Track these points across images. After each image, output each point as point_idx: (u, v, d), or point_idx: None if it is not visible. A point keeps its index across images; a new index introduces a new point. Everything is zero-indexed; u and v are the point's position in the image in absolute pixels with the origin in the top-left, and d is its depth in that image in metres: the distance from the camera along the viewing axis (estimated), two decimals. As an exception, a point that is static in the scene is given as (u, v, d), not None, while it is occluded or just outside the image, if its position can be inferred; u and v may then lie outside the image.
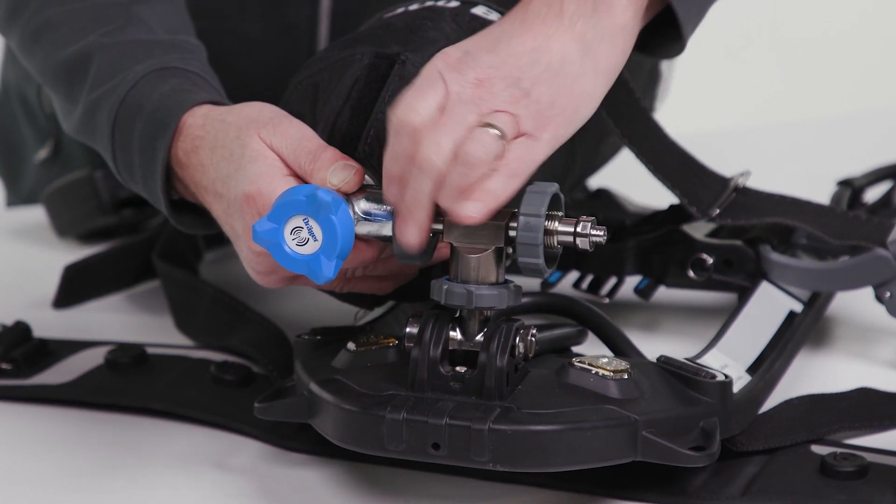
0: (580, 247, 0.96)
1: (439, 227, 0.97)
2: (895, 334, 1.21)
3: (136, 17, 1.15)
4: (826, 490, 0.98)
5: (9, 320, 1.25)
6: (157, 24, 1.15)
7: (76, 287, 1.37)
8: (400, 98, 0.96)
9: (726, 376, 1.00)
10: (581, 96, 0.98)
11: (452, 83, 0.97)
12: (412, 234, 0.96)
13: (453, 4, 1.11)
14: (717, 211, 1.17)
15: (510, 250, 0.97)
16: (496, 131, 0.95)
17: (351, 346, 1.02)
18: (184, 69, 1.11)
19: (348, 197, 0.99)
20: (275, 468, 1.05)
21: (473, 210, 0.94)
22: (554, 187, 0.96)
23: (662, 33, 1.05)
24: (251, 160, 1.01)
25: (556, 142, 0.98)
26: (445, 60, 0.98)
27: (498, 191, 0.94)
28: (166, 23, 1.16)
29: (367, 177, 1.00)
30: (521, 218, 0.95)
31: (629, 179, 1.35)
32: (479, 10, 1.11)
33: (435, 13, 1.10)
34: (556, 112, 0.97)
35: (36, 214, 1.58)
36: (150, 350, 1.22)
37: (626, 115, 1.16)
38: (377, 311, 1.15)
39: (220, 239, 1.08)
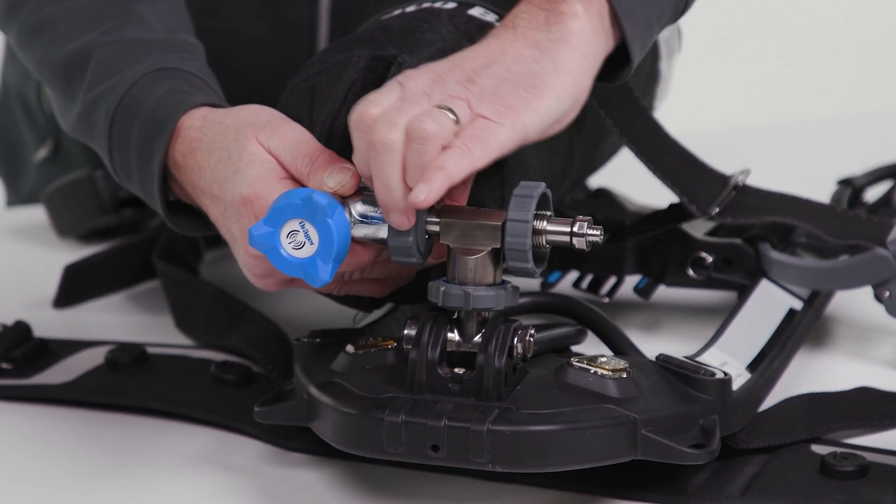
0: (577, 246, 0.96)
1: (436, 228, 0.97)
2: (894, 334, 1.21)
3: (135, 15, 1.15)
4: (826, 490, 0.98)
5: (9, 320, 1.25)
6: (156, 22, 1.15)
7: (76, 287, 1.37)
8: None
9: (725, 374, 1.00)
10: (541, 88, 0.98)
11: (408, 83, 0.98)
12: (397, 217, 0.96)
13: (450, 6, 1.11)
14: (717, 209, 1.17)
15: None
16: (450, 114, 0.96)
17: (350, 348, 1.02)
18: (182, 70, 1.11)
19: (345, 200, 0.99)
20: (275, 468, 1.05)
21: (422, 193, 0.94)
22: (541, 187, 0.97)
23: (614, 59, 1.05)
24: (248, 163, 1.01)
25: (522, 129, 0.97)
26: (403, 73, 1.00)
27: (455, 166, 0.94)
28: (165, 21, 1.16)
29: (363, 180, 1.00)
30: (508, 223, 0.95)
31: (629, 179, 1.35)
32: (475, 12, 1.11)
33: (432, 15, 1.10)
34: (513, 98, 0.97)
35: (36, 214, 1.58)
36: (151, 350, 1.22)
37: (625, 115, 1.16)
38: (377, 313, 1.15)
39: (219, 239, 1.08)
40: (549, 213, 0.97)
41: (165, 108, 1.07)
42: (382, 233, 0.98)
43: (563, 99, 0.99)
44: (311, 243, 0.96)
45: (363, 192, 0.99)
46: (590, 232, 0.96)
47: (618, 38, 1.03)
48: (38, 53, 1.17)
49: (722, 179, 1.18)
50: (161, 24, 1.15)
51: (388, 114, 0.96)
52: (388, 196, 0.96)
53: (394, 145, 0.95)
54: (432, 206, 0.97)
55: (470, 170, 0.95)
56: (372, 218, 0.98)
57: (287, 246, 0.97)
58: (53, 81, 1.17)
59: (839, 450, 1.01)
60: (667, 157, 1.18)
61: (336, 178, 0.99)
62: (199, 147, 1.05)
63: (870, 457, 1.00)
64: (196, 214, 1.10)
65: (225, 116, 1.05)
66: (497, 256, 0.97)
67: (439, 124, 0.95)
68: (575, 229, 0.96)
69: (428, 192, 0.94)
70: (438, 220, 0.97)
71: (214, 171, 1.03)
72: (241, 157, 1.01)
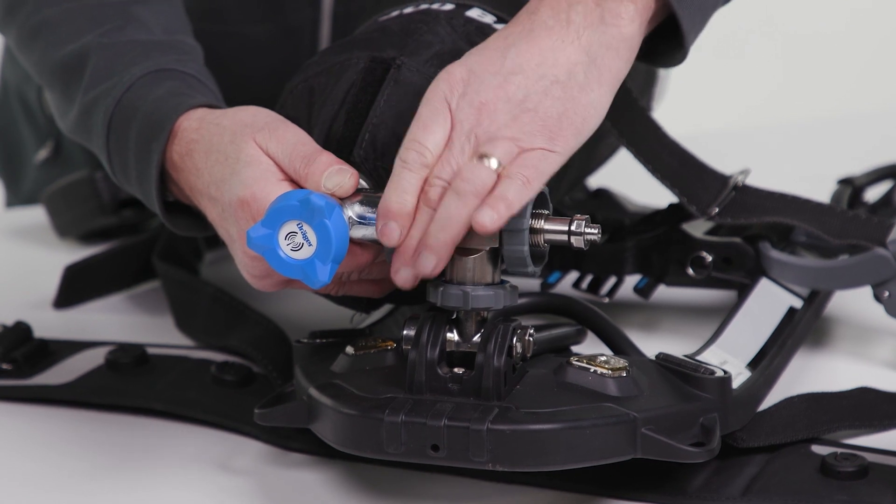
0: (575, 245, 0.96)
1: None
2: (894, 334, 1.21)
3: (133, 17, 1.15)
4: (826, 490, 0.98)
5: (9, 320, 1.25)
6: (154, 24, 1.15)
7: (76, 287, 1.37)
8: (408, 131, 0.98)
9: (725, 372, 1.00)
10: (587, 107, 0.99)
11: (457, 111, 0.98)
12: (410, 276, 0.96)
13: (448, 7, 1.11)
14: (717, 210, 1.17)
15: None
16: (492, 161, 0.96)
17: (349, 349, 1.02)
18: (180, 71, 1.11)
19: (343, 201, 0.99)
20: (275, 468, 1.05)
21: (488, 218, 0.94)
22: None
23: (665, 41, 1.06)
24: (246, 164, 1.01)
25: (568, 153, 0.99)
26: (450, 83, 0.99)
27: (511, 198, 0.95)
28: (164, 23, 1.16)
29: (361, 181, 1.00)
30: (505, 232, 0.95)
31: (629, 179, 1.35)
32: (473, 13, 1.11)
33: (430, 16, 1.10)
34: (564, 125, 0.98)
35: (36, 215, 1.58)
36: (151, 350, 1.22)
37: (624, 116, 1.16)
38: (376, 315, 1.15)
39: (219, 239, 1.08)
40: (546, 212, 0.97)
41: (163, 109, 1.07)
42: None
43: (602, 113, 1.00)
44: (310, 245, 0.96)
45: (361, 193, 0.99)
46: (588, 230, 0.96)
47: (654, 24, 1.03)
48: (37, 55, 1.17)
49: (721, 180, 1.18)
50: (159, 25, 1.15)
51: (440, 169, 0.96)
52: (412, 245, 0.96)
53: (434, 204, 0.96)
54: None
55: (528, 199, 0.96)
56: (370, 219, 0.98)
57: (285, 247, 0.96)
58: (52, 83, 1.17)
59: (839, 450, 1.01)
60: (666, 158, 1.18)
61: (334, 180, 0.99)
62: (196, 148, 1.05)
63: (870, 457, 1.00)
64: (194, 215, 1.10)
65: (222, 118, 1.05)
66: (495, 256, 0.97)
67: (477, 181, 0.95)
68: (573, 228, 0.96)
69: (492, 220, 0.94)
70: None
71: (212, 173, 1.03)
72: (239, 158, 1.01)
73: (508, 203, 0.95)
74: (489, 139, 0.97)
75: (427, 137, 0.98)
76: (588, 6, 1.00)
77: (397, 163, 0.97)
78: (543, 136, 0.98)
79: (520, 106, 0.98)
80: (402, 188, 0.97)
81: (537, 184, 0.96)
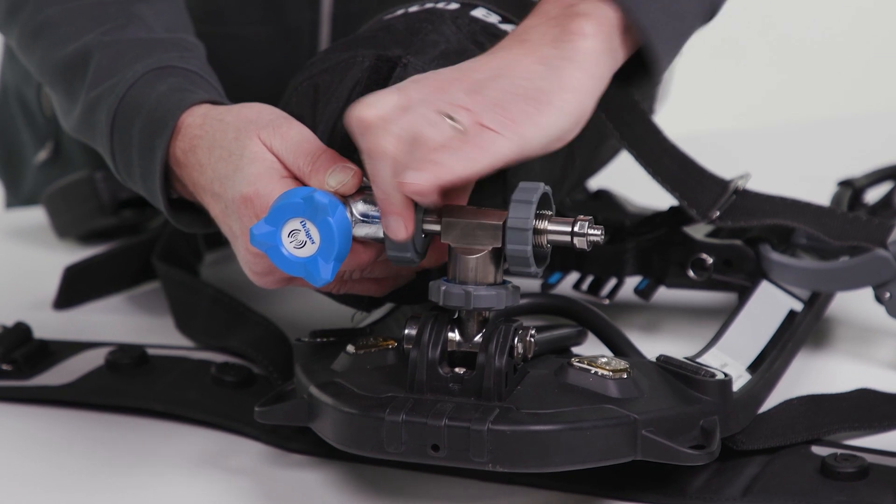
0: (577, 246, 0.96)
1: (436, 227, 0.97)
2: (894, 335, 1.21)
3: (135, 15, 1.15)
4: (826, 491, 0.97)
5: (9, 321, 1.25)
6: (156, 22, 1.15)
7: (76, 288, 1.37)
8: (347, 123, 0.98)
9: (726, 375, 1.00)
10: (545, 104, 0.98)
11: (410, 89, 0.98)
12: (395, 225, 0.96)
13: (453, 7, 1.11)
14: (717, 213, 1.17)
15: None
16: (450, 121, 0.95)
17: (350, 348, 1.02)
18: (183, 68, 1.12)
19: (346, 199, 0.99)
20: (275, 469, 1.05)
21: (416, 177, 0.93)
22: (540, 188, 0.97)
23: (639, 64, 1.06)
24: (250, 161, 1.01)
25: (523, 142, 0.97)
26: (408, 79, 1.00)
27: (449, 163, 0.94)
28: (165, 21, 1.16)
29: (365, 179, 1.00)
30: (508, 230, 0.95)
31: (629, 180, 1.34)
32: (478, 13, 1.11)
33: (435, 16, 1.10)
34: (516, 112, 0.97)
35: (36, 215, 1.58)
36: (151, 351, 1.22)
37: (625, 119, 1.16)
38: (377, 313, 1.15)
39: (220, 240, 1.08)
40: (549, 213, 0.97)
41: (166, 105, 1.07)
42: (383, 232, 0.98)
43: (567, 117, 1.00)
44: (313, 242, 0.96)
45: (365, 191, 0.99)
46: (591, 232, 0.96)
47: (629, 53, 1.03)
48: (39, 55, 1.17)
49: (722, 184, 1.18)
50: (161, 23, 1.16)
51: (383, 120, 0.96)
52: (385, 201, 0.96)
53: (387, 152, 0.95)
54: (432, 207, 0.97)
55: (463, 172, 0.95)
56: (373, 217, 0.98)
57: (288, 245, 0.97)
58: (55, 82, 1.17)
59: (839, 451, 1.01)
60: (666, 162, 1.18)
61: (337, 178, 0.99)
62: (199, 144, 1.05)
63: (870, 458, 1.00)
64: (198, 212, 1.10)
65: (226, 114, 1.05)
66: (498, 256, 0.97)
67: (437, 129, 0.95)
68: (576, 229, 0.96)
69: (416, 178, 0.93)
70: (439, 219, 0.97)
71: (215, 169, 1.03)
72: (243, 155, 1.01)
73: (441, 171, 0.94)
74: (449, 105, 0.96)
75: (376, 97, 0.97)
76: (543, 28, 1.01)
77: (364, 159, 0.96)
78: (497, 119, 0.97)
79: (475, 90, 0.98)
80: (383, 182, 0.96)
81: (481, 160, 0.95)
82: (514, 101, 0.97)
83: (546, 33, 1.01)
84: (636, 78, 1.07)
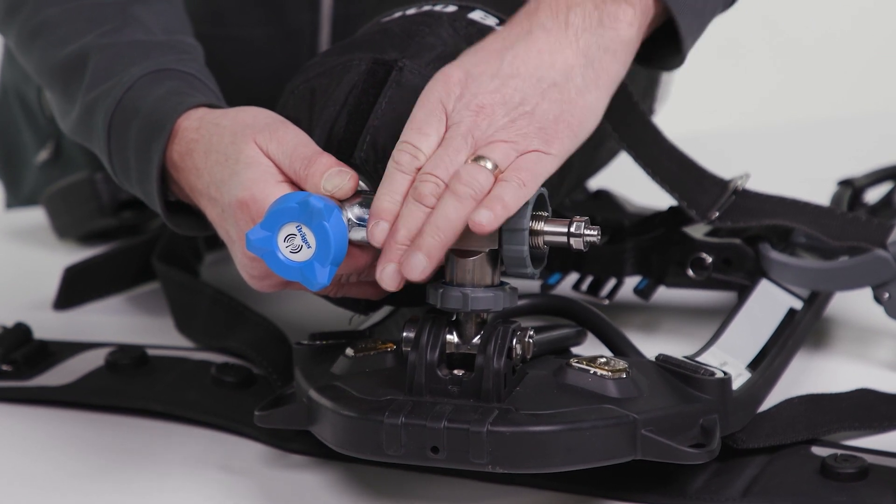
0: (574, 247, 0.96)
1: None
2: (894, 335, 1.21)
3: (133, 17, 1.15)
4: (826, 492, 0.97)
5: (9, 322, 1.25)
6: (154, 24, 1.15)
7: (76, 289, 1.37)
8: (402, 132, 0.99)
9: (725, 373, 1.00)
10: (584, 110, 0.99)
11: (453, 113, 0.99)
12: (395, 274, 0.96)
13: (451, 9, 1.11)
14: (717, 214, 1.17)
15: None
16: (489, 163, 0.96)
17: (349, 351, 1.02)
18: (180, 71, 1.11)
19: (342, 203, 0.99)
20: (275, 470, 1.05)
21: (485, 218, 0.94)
22: (537, 190, 0.97)
23: (663, 45, 1.06)
24: (246, 166, 1.01)
25: (564, 155, 0.99)
26: (446, 85, 1.00)
27: (508, 200, 0.95)
28: (163, 23, 1.16)
29: (361, 183, 1.00)
30: (505, 231, 0.95)
31: (629, 180, 1.34)
32: (476, 15, 1.11)
33: (432, 18, 1.10)
34: (561, 127, 0.99)
35: (36, 216, 1.58)
36: (151, 352, 1.22)
37: (624, 120, 1.16)
38: (376, 316, 1.15)
39: (219, 241, 1.08)
40: (546, 214, 0.97)
41: (163, 109, 1.07)
42: None
43: (599, 115, 1.01)
44: (309, 247, 0.96)
45: (361, 195, 0.99)
46: (587, 232, 0.96)
47: (653, 28, 1.04)
48: (37, 56, 1.17)
49: (721, 184, 1.18)
50: (159, 25, 1.15)
51: (433, 166, 0.97)
52: (403, 245, 0.96)
53: (433, 202, 0.96)
54: None
55: (524, 201, 0.96)
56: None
57: (284, 250, 0.96)
58: (52, 84, 1.17)
59: (840, 452, 1.01)
60: (666, 163, 1.18)
61: (333, 182, 0.99)
62: (196, 148, 1.05)
63: (870, 459, 1.00)
64: (195, 215, 1.10)
65: (222, 118, 1.05)
66: (495, 258, 0.97)
67: (476, 185, 0.95)
68: (572, 230, 0.96)
69: (489, 220, 0.94)
70: None
71: (212, 173, 1.03)
72: (239, 159, 1.01)
73: (505, 204, 0.95)
74: (486, 142, 0.97)
75: (421, 140, 0.98)
76: (587, 9, 1.01)
77: (390, 164, 0.98)
78: (540, 139, 0.98)
79: (517, 109, 0.98)
80: (394, 189, 0.97)
81: (533, 186, 0.96)
82: (559, 118, 0.99)
83: (589, 16, 1.01)
84: (656, 60, 1.07)
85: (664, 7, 1.03)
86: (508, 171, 0.96)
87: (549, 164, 0.98)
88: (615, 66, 1.01)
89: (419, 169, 0.97)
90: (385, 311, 1.15)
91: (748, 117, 3.03)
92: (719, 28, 1.13)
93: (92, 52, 1.13)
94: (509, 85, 0.99)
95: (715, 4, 1.09)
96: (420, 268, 0.95)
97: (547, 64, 1.00)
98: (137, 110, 1.09)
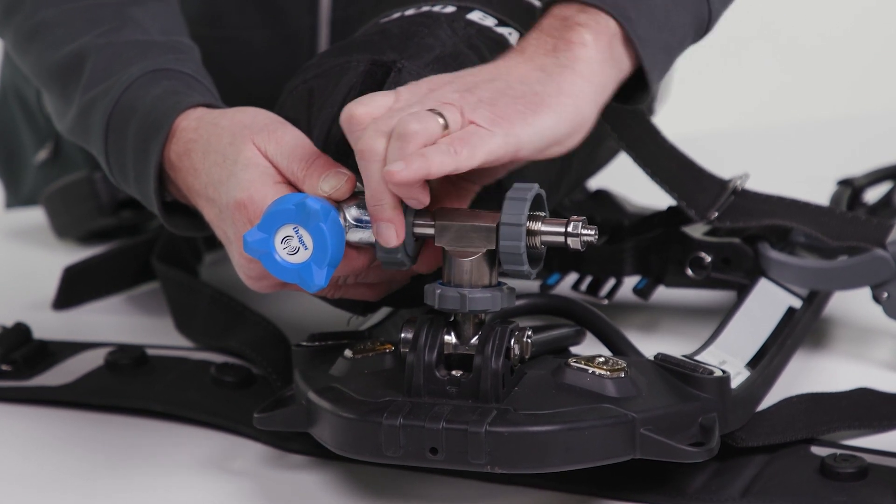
0: (571, 247, 0.96)
1: (430, 231, 0.97)
2: (892, 335, 1.21)
3: (130, 18, 1.15)
4: (826, 491, 0.98)
5: (9, 322, 1.25)
6: (151, 25, 1.15)
7: (76, 288, 1.37)
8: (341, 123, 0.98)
9: (724, 372, 1.00)
10: (540, 105, 0.98)
11: (404, 92, 0.98)
12: (385, 231, 0.96)
13: (449, 10, 1.11)
14: (716, 214, 1.17)
15: None
16: (438, 118, 0.95)
17: (348, 353, 1.02)
18: (178, 71, 1.11)
19: (339, 204, 0.98)
20: (274, 470, 1.05)
21: (400, 168, 0.92)
22: (534, 189, 0.96)
23: (633, 82, 1.06)
24: (244, 167, 1.01)
25: (515, 141, 0.96)
26: (405, 85, 1.00)
27: (433, 157, 0.93)
28: (161, 24, 1.16)
29: (358, 184, 1.00)
30: (502, 226, 0.95)
31: (628, 180, 1.35)
32: (474, 16, 1.11)
33: (431, 19, 1.10)
34: (509, 111, 0.97)
35: (35, 216, 1.58)
36: (150, 352, 1.22)
37: (623, 120, 1.16)
38: (376, 317, 1.15)
39: (219, 241, 1.08)
40: (543, 214, 0.97)
41: (161, 108, 1.07)
42: None
43: (563, 121, 0.99)
44: (306, 248, 0.96)
45: (358, 196, 0.99)
46: (584, 232, 0.96)
47: (634, 65, 1.03)
48: (34, 56, 1.17)
49: (720, 184, 1.18)
50: (156, 27, 1.16)
51: (376, 121, 0.96)
52: (375, 205, 0.95)
53: (375, 149, 0.95)
54: (426, 209, 0.97)
55: (451, 168, 0.94)
56: (366, 222, 0.98)
57: (282, 252, 0.96)
58: (50, 84, 1.17)
59: (839, 451, 1.01)
60: (665, 163, 1.18)
61: (330, 183, 0.99)
62: (194, 148, 1.05)
63: (870, 458, 1.00)
64: (192, 215, 1.10)
65: (221, 118, 1.05)
66: (492, 258, 0.97)
67: (423, 124, 0.94)
68: (569, 229, 0.96)
69: (403, 169, 0.92)
70: (433, 222, 0.97)
71: (209, 174, 1.03)
72: (237, 160, 1.01)
73: (427, 163, 0.93)
74: (439, 104, 0.96)
75: (368, 98, 0.97)
76: (541, 39, 1.01)
77: (357, 160, 0.96)
78: (486, 112, 0.96)
79: (468, 90, 0.97)
80: (372, 180, 0.96)
81: (466, 158, 0.94)
82: (507, 101, 0.97)
83: (544, 43, 1.01)
84: (631, 92, 1.07)
85: (635, 52, 1.03)
86: (447, 136, 0.95)
87: (489, 142, 0.95)
88: (578, 80, 0.99)
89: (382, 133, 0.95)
90: (384, 312, 1.15)
91: (748, 117, 3.03)
92: (719, 28, 1.12)
93: (90, 52, 1.13)
94: (464, 77, 0.99)
95: (683, 36, 1.07)
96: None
97: (503, 73, 0.99)
98: (135, 110, 1.09)
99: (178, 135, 1.06)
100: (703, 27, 1.09)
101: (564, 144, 1.00)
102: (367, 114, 0.96)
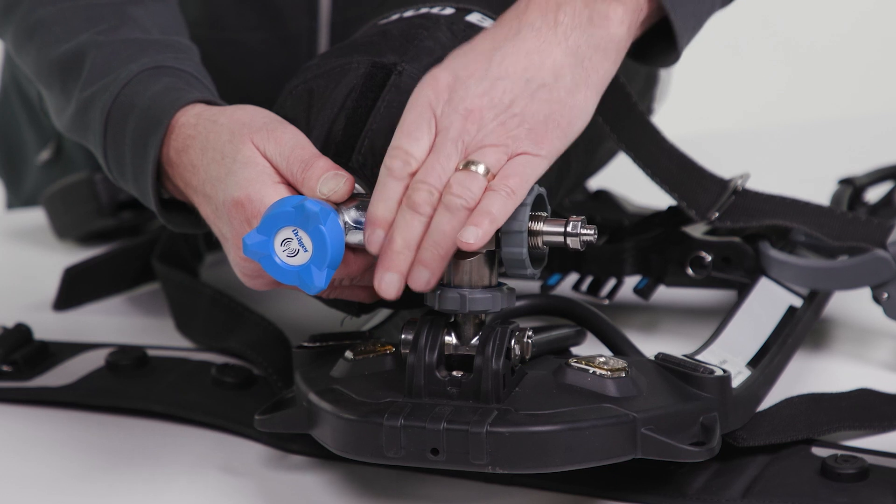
0: (571, 246, 0.96)
1: None
2: (892, 336, 1.21)
3: (129, 17, 1.15)
4: (826, 492, 0.98)
5: (9, 322, 1.25)
6: (150, 24, 1.15)
7: (76, 289, 1.37)
8: (393, 137, 0.99)
9: (725, 371, 1.00)
10: (574, 109, 0.99)
11: (442, 117, 0.98)
12: (393, 282, 0.96)
13: (448, 11, 1.11)
14: (717, 214, 1.17)
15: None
16: (480, 168, 0.96)
17: (348, 354, 1.02)
18: (177, 68, 1.11)
19: (338, 206, 0.98)
20: (275, 471, 1.05)
21: (472, 236, 0.94)
22: (535, 190, 0.97)
23: (658, 42, 1.06)
24: (242, 165, 1.01)
25: (554, 156, 0.99)
26: (435, 89, 0.99)
27: (496, 212, 0.95)
28: (160, 23, 1.16)
29: (357, 186, 1.00)
30: (504, 234, 0.96)
31: (629, 180, 1.35)
32: (473, 18, 1.11)
33: (430, 21, 1.10)
34: (550, 128, 0.98)
35: (36, 216, 1.58)
36: (151, 352, 1.22)
37: (622, 121, 1.16)
38: (377, 318, 1.15)
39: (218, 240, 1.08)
40: (545, 214, 0.97)
41: (160, 105, 1.07)
42: None
43: (589, 115, 1.01)
44: (305, 250, 0.96)
45: (357, 198, 0.99)
46: (583, 231, 0.96)
47: (647, 25, 1.03)
48: (33, 54, 1.17)
49: (721, 184, 1.18)
50: (155, 25, 1.16)
51: (426, 173, 0.97)
52: (398, 250, 0.96)
53: (428, 211, 0.96)
54: None
55: (513, 208, 0.96)
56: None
57: (281, 254, 0.96)
58: (49, 82, 1.17)
59: (840, 452, 1.01)
60: (665, 163, 1.18)
61: (330, 185, 0.99)
62: (192, 145, 1.05)
63: (870, 459, 1.00)
64: (190, 212, 1.10)
65: (220, 115, 1.05)
66: (493, 258, 0.97)
67: (468, 195, 0.95)
68: (569, 229, 0.97)
69: (476, 237, 0.94)
70: None
71: (207, 171, 1.03)
72: (236, 158, 1.01)
73: (493, 218, 0.95)
74: (477, 147, 0.97)
75: (412, 144, 0.98)
76: (576, 7, 1.01)
77: (382, 170, 0.98)
78: (530, 141, 0.98)
79: (506, 111, 0.98)
80: (388, 196, 0.97)
81: (522, 192, 0.96)
82: (548, 119, 0.98)
83: (579, 14, 1.01)
84: (652, 57, 1.07)
85: (658, 5, 1.03)
86: (498, 178, 0.96)
87: (538, 167, 0.98)
88: (605, 64, 1.01)
89: (412, 174, 0.97)
90: (384, 313, 1.15)
91: (748, 117, 3.03)
92: (720, 28, 1.13)
93: (89, 49, 1.13)
94: (498, 87, 0.99)
95: (713, 2, 1.09)
96: (424, 280, 0.96)
97: (536, 65, 0.99)
98: (134, 106, 1.08)
99: (176, 131, 1.06)
100: None
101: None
102: (415, 169, 0.97)
